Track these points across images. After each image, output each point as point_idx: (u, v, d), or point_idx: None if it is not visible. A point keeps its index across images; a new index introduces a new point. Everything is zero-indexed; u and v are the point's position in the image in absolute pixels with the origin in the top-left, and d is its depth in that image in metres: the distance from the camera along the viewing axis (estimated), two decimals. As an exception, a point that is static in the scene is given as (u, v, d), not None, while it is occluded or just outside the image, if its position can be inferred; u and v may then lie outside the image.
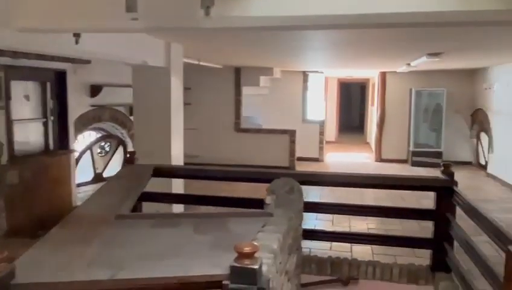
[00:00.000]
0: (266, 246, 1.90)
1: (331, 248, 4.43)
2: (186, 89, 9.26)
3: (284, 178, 2.72)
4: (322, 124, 10.26)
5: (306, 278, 3.95)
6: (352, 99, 18.83)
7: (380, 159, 10.35)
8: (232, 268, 1.52)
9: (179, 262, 1.73)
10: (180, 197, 4.32)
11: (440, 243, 3.47)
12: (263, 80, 9.27)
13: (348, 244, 4.47)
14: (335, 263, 3.84)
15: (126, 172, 3.70)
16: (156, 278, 1.65)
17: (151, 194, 3.51)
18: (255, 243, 1.61)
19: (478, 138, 9.65)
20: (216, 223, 2.27)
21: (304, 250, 4.36)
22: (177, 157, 5.23)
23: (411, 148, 9.84)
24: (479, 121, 9.34)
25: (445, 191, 3.39)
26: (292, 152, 9.05)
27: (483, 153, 9.32)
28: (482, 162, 9.36)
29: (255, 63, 8.23)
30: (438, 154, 9.64)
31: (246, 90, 9.67)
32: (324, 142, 12.82)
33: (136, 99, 5.19)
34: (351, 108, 18.50)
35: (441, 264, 3.49)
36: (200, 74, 9.29)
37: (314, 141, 10.22)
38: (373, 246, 4.38)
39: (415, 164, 9.65)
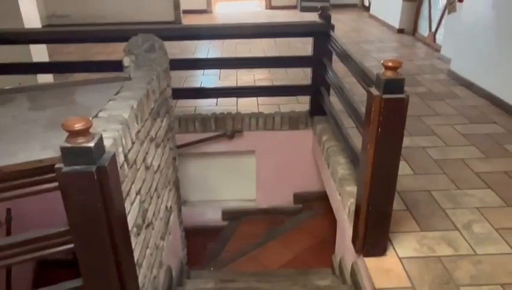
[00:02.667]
0: (114, 116, 1.67)
1: (217, 103, 4.35)
2: None
3: (143, 34, 2.36)
4: (207, -29, 9.35)
5: (191, 137, 3.91)
6: None
7: (270, 6, 10.00)
8: (63, 149, 1.29)
9: (1, 148, 1.44)
10: (32, 66, 3.67)
11: (317, 88, 3.53)
12: None
13: (234, 99, 4.41)
14: (219, 119, 3.80)
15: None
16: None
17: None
18: (89, 118, 1.36)
19: (363, -22, 9.63)
20: (60, 95, 1.94)
21: (188, 109, 4.25)
22: (30, 18, 4.39)
23: (300, -7, 9.58)
24: (364, -40, 9.18)
25: (322, 36, 3.32)
26: (177, 4, 8.27)
27: (368, -7, 9.42)
28: (366, 3, 9.51)
29: None
30: (326, -2, 9.55)
31: None
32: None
33: None
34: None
35: (318, 108, 3.61)
36: None
37: (200, -10, 9.40)
38: (258, 97, 4.37)
39: (303, 9, 9.51)
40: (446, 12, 5.69)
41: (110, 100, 1.82)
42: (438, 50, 5.89)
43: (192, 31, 3.33)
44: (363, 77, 2.30)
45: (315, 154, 3.73)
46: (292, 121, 3.77)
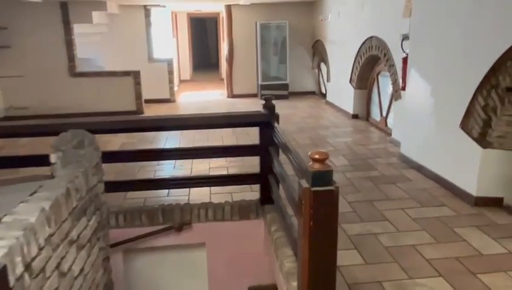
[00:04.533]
0: (19, 221, 1.54)
1: (168, 194, 4.24)
2: (1, 28, 7.81)
3: (73, 130, 2.31)
4: (170, 63, 9.72)
5: (138, 231, 3.72)
6: (208, 35, 18.33)
7: (232, 95, 10.36)
8: None
9: None
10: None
11: (265, 177, 3.50)
12: (97, 15, 8.23)
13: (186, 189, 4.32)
14: (166, 211, 3.66)
15: None
16: None
17: None
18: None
19: (319, 68, 10.23)
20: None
21: (137, 201, 4.10)
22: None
23: (260, 82, 10.02)
24: (318, 52, 9.83)
25: (267, 126, 3.37)
26: (138, 95, 8.44)
27: (324, 82, 9.95)
28: (323, 91, 10.01)
29: None
30: (285, 86, 10.02)
31: (78, 29, 8.53)
32: (177, 81, 12.38)
33: None
34: (208, 44, 18.05)
35: (268, 197, 3.55)
36: (16, 11, 7.84)
37: (163, 81, 9.69)
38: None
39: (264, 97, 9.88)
40: (393, 99, 6.01)
41: (21, 202, 1.70)
42: (389, 134, 6.11)
43: (123, 124, 3.31)
44: (300, 168, 2.28)
45: (266, 245, 3.59)
46: (243, 211, 3.67)
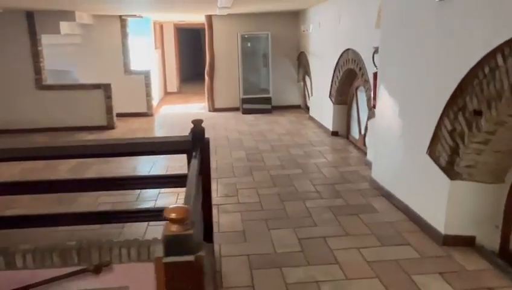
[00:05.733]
0: None
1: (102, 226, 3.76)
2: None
3: None
4: (147, 75, 9.30)
5: (49, 274, 3.24)
6: (202, 45, 17.93)
7: (213, 108, 9.91)
8: None
9: None
10: None
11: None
12: (67, 26, 7.85)
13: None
14: (83, 250, 3.17)
15: None
16: None
17: None
18: None
19: (304, 81, 9.77)
20: None
21: (63, 234, 3.63)
22: None
23: (241, 96, 9.57)
24: (302, 65, 9.38)
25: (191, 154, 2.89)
26: (109, 109, 8.02)
27: (308, 96, 9.48)
28: (308, 104, 9.54)
29: (51, 5, 6.77)
30: (268, 100, 9.55)
31: (50, 39, 8.16)
32: (160, 93, 11.99)
33: None
34: (200, 55, 17.68)
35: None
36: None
37: (140, 94, 9.27)
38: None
39: (245, 111, 9.44)
40: (368, 116, 5.52)
41: None
42: (366, 154, 5.62)
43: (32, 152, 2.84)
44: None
45: None
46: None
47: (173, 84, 13.46)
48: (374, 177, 4.60)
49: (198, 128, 2.93)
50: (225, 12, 8.02)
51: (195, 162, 2.54)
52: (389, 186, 4.19)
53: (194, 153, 2.70)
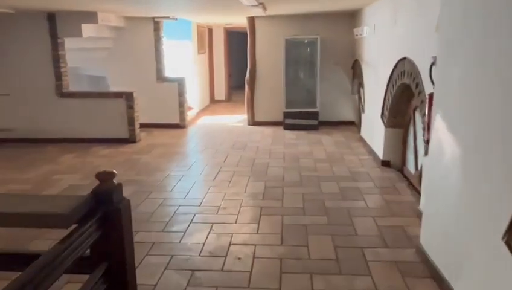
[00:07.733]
0: None
1: None
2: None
3: None
4: (181, 83, 8.42)
5: None
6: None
7: (253, 122, 8.80)
8: None
9: None
10: None
11: None
12: (91, 28, 7.19)
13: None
14: None
15: None
16: None
17: None
18: None
19: (359, 94, 8.31)
20: None
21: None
22: None
23: (284, 109, 8.35)
24: (357, 75, 7.95)
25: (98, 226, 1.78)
26: (131, 120, 7.23)
27: (362, 111, 8.02)
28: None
29: (72, 5, 6.10)
30: (314, 115, 8.24)
31: (77, 43, 7.59)
32: (205, 102, 11.14)
33: None
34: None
35: None
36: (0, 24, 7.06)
37: (172, 103, 8.43)
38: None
39: (287, 127, 8.22)
40: (424, 151, 4.06)
41: None
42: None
43: None
44: None
45: None
46: None
47: (221, 91, 12.56)
48: (422, 243, 3.19)
49: (104, 187, 1.81)
50: (260, 13, 6.87)
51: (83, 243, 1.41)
52: (443, 266, 2.78)
53: (97, 225, 1.58)
